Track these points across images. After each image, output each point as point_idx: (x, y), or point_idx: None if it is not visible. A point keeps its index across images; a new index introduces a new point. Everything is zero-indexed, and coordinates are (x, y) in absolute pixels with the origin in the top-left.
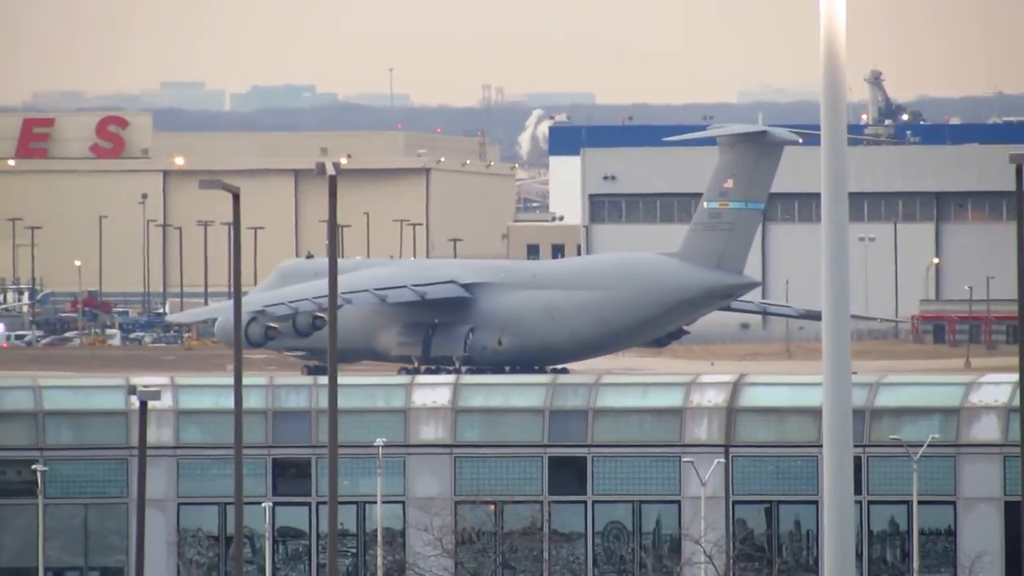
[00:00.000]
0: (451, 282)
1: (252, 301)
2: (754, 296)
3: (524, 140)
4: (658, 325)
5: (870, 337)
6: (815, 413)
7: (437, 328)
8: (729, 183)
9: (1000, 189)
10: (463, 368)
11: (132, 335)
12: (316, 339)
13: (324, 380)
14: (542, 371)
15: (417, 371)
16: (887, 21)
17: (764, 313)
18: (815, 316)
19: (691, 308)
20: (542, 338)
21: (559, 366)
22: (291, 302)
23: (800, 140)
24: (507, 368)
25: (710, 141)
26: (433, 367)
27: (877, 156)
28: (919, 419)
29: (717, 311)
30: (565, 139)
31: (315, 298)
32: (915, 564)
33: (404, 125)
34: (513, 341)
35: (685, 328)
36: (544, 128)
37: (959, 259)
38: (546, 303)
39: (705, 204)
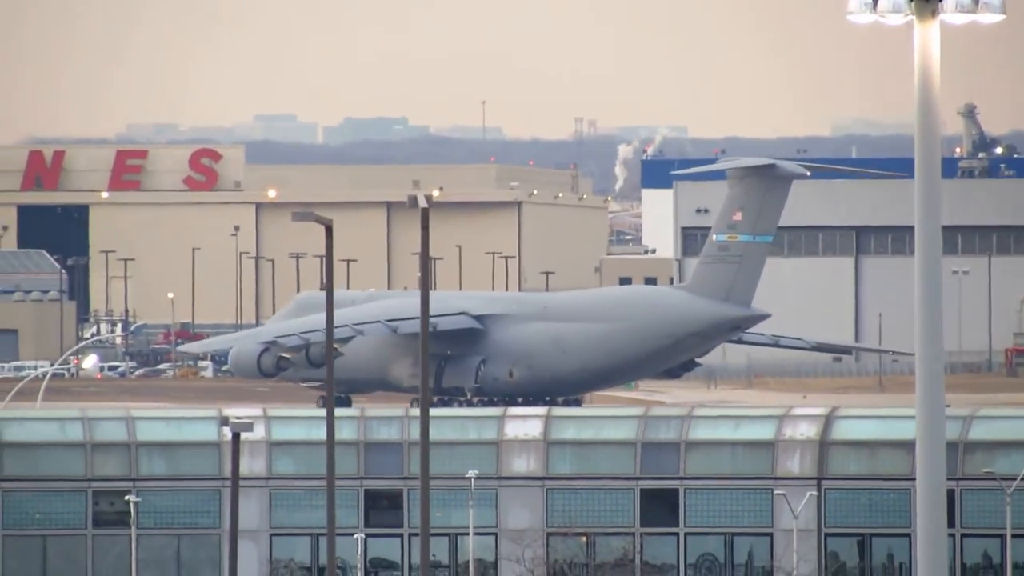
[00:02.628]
0: (463, 313)
1: (264, 332)
2: (765, 328)
3: (619, 171)
4: (667, 357)
5: (963, 370)
6: (908, 446)
7: (449, 359)
8: (738, 216)
9: None
10: (475, 400)
11: (224, 367)
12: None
13: (416, 412)
14: (554, 402)
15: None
16: (981, 54)
17: (776, 345)
18: (826, 349)
19: (700, 340)
20: (553, 370)
21: (571, 397)
22: (303, 333)
23: (808, 173)
24: (519, 400)
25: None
26: (445, 398)
27: (971, 189)
28: (1012, 452)
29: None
30: (657, 172)
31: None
32: None
33: (496, 158)
34: (524, 372)
35: (697, 360)
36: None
37: None
38: (556, 335)
39: (714, 237)
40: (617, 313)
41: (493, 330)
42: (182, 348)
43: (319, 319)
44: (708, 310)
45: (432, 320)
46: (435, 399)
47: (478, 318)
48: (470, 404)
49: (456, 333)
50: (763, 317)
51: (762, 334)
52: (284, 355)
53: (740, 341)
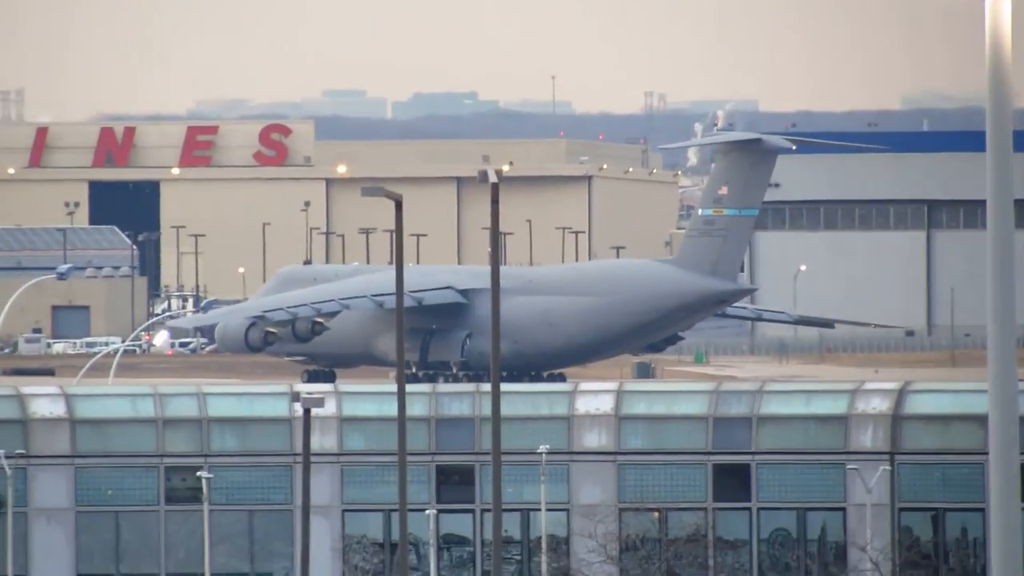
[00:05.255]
0: (448, 288)
1: (251, 307)
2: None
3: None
4: (654, 331)
5: None
6: (981, 420)
7: (434, 334)
8: (723, 190)
9: None
10: (460, 374)
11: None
12: (315, 344)
13: (487, 387)
14: (539, 377)
15: (416, 377)
16: None
17: (759, 319)
18: (809, 322)
19: (686, 314)
20: (539, 343)
21: (556, 371)
22: (290, 307)
23: (793, 147)
24: (504, 374)
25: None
26: (430, 372)
27: None
28: None
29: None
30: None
31: (314, 304)
32: None
33: (566, 132)
34: (510, 347)
35: (680, 334)
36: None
37: None
38: (543, 309)
39: (700, 211)
40: (603, 287)
41: (478, 304)
42: (171, 323)
43: (305, 294)
44: (694, 284)
45: (417, 294)
46: (420, 374)
47: (463, 292)
48: (455, 379)
49: (441, 307)
50: (749, 291)
51: (746, 308)
52: (271, 330)
53: (723, 315)
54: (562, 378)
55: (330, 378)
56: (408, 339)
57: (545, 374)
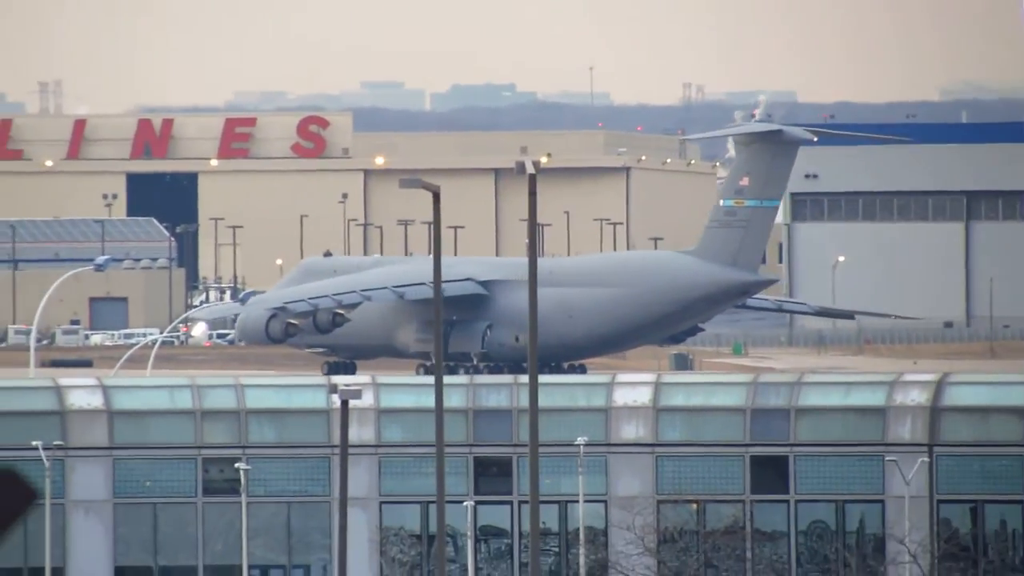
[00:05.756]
0: (468, 279)
1: (272, 298)
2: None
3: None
4: (674, 322)
5: None
6: (1021, 412)
7: (455, 325)
8: (745, 181)
9: None
10: (481, 365)
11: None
12: (336, 335)
13: (525, 379)
14: (559, 368)
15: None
16: None
17: (780, 310)
18: (830, 313)
19: (707, 305)
20: (559, 335)
21: (576, 362)
22: (311, 299)
23: (815, 139)
24: (524, 364)
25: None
26: (450, 364)
27: None
28: None
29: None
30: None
31: (335, 295)
32: None
33: (604, 124)
34: None
35: (700, 325)
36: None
37: None
38: (563, 300)
39: (721, 202)
40: (623, 278)
41: (499, 296)
42: (193, 313)
43: (326, 285)
44: (715, 275)
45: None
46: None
47: (484, 284)
48: (476, 370)
49: (462, 299)
50: (770, 282)
51: (766, 299)
52: (292, 321)
53: (744, 306)
54: (583, 369)
55: (350, 370)
56: (428, 330)
57: (565, 365)
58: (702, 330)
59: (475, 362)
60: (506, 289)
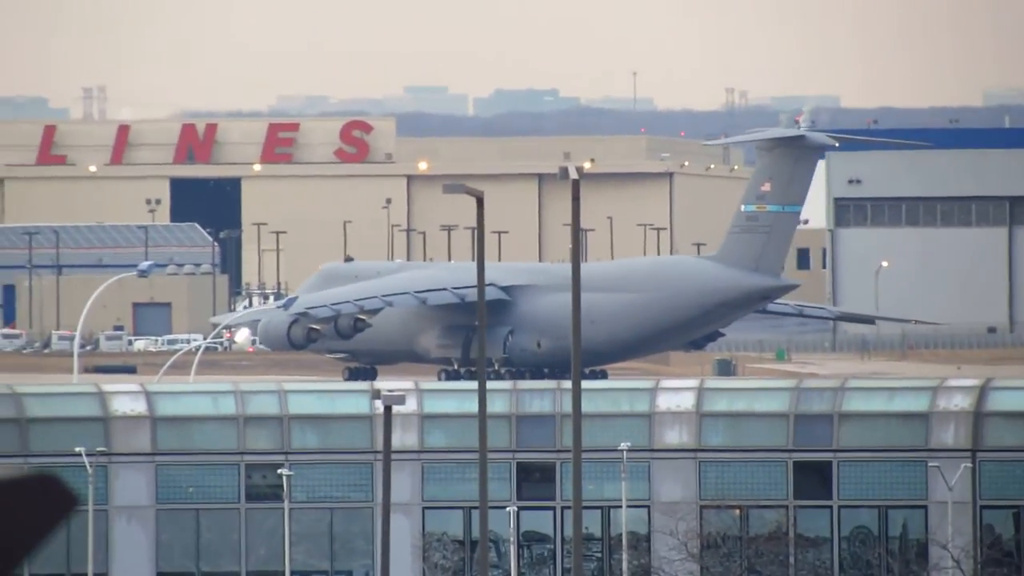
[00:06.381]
0: (490, 285)
1: (294, 303)
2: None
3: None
4: (696, 327)
5: None
6: None
7: (476, 330)
8: (766, 186)
9: None
10: (503, 371)
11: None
12: (357, 341)
13: (568, 384)
14: (595, 374)
15: (457, 373)
16: None
17: (801, 315)
18: (850, 318)
19: (729, 310)
20: (581, 340)
21: (597, 368)
22: (333, 304)
23: (837, 144)
24: (545, 371)
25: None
26: (472, 369)
27: None
28: None
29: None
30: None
31: (357, 300)
32: None
33: (647, 129)
34: (551, 343)
35: (721, 331)
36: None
37: None
38: (585, 305)
39: (743, 207)
40: (645, 284)
41: (520, 301)
42: (213, 320)
43: (348, 291)
44: (737, 280)
45: (460, 291)
46: (462, 370)
47: (505, 289)
48: (498, 376)
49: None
50: (792, 287)
51: (787, 304)
52: (314, 327)
53: (764, 311)
54: (604, 375)
55: (371, 375)
56: (450, 335)
57: (587, 370)
58: (722, 335)
59: (496, 367)
60: (528, 294)
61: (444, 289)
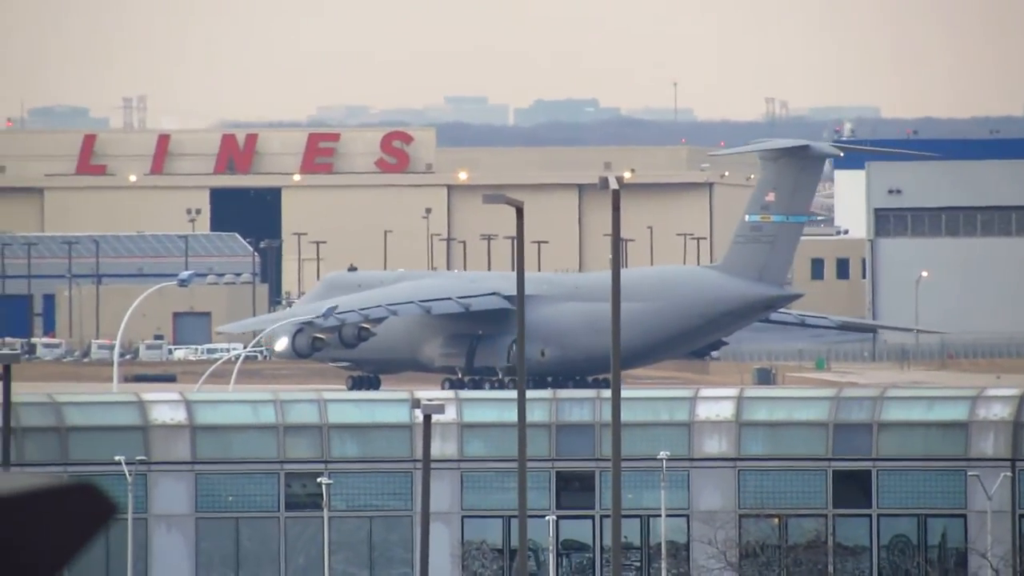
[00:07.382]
0: (494, 294)
1: (298, 313)
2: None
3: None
4: (700, 336)
5: None
6: None
7: (480, 339)
8: (771, 196)
9: None
10: (506, 380)
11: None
12: (362, 350)
13: (607, 393)
14: (584, 382)
15: (461, 382)
16: None
17: (803, 324)
18: (852, 327)
19: (732, 320)
20: (585, 349)
21: (602, 376)
22: (338, 313)
23: (841, 154)
24: (549, 380)
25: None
26: (476, 378)
27: None
28: None
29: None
30: (850, 153)
31: (361, 309)
32: None
33: (687, 139)
34: (555, 352)
35: (724, 340)
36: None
37: None
38: (590, 314)
39: (747, 217)
40: (650, 293)
41: (525, 310)
42: (220, 329)
43: (352, 300)
44: (741, 290)
45: (464, 300)
46: (466, 379)
47: (509, 298)
48: (501, 385)
49: (487, 313)
50: (795, 297)
51: (790, 313)
52: (319, 336)
53: (767, 320)
54: (608, 384)
55: (375, 384)
56: (455, 344)
57: (590, 379)
58: (726, 344)
59: (500, 376)
60: (532, 304)
61: (448, 298)
